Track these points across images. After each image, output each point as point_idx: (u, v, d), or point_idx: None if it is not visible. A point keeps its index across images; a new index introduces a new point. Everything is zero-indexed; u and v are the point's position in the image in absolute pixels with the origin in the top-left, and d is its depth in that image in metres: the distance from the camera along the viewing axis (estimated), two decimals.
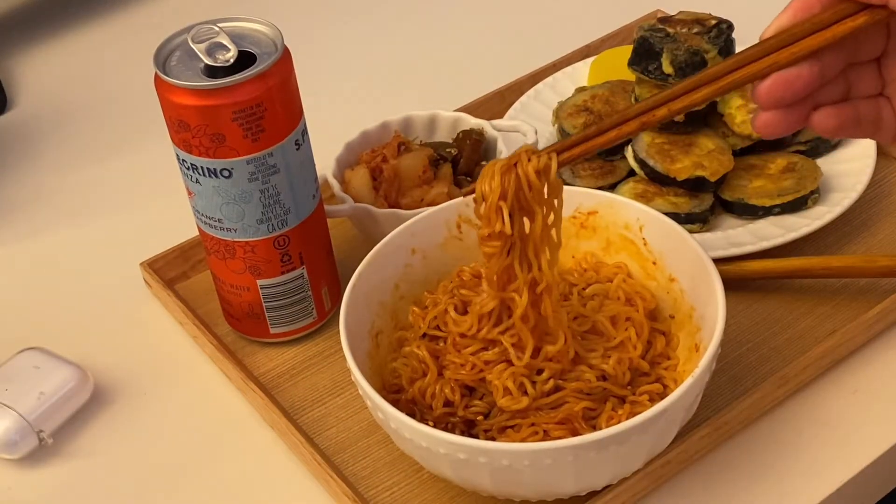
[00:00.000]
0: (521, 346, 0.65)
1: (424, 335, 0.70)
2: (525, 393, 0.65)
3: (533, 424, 0.65)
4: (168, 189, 0.87)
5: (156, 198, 0.94)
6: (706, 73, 0.57)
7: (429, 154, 0.83)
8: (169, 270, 0.84)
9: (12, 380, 0.74)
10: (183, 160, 0.71)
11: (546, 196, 0.61)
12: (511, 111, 0.93)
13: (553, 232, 0.63)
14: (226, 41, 0.69)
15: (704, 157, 0.82)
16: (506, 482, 0.62)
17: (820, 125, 0.57)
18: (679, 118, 0.82)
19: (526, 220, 0.62)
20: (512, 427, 0.66)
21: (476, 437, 0.66)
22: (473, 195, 0.61)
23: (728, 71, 0.57)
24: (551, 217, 0.62)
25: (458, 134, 0.85)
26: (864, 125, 0.58)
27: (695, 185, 0.81)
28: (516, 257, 0.62)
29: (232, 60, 0.68)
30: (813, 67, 0.55)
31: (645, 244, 0.73)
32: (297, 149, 0.72)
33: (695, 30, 0.83)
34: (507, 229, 0.61)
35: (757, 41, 0.57)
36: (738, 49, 0.84)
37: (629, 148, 0.84)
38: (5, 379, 0.75)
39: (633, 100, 0.86)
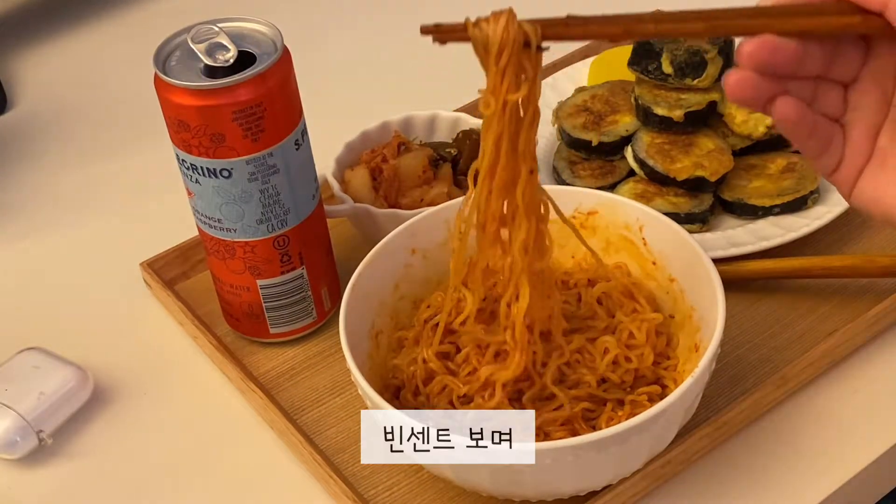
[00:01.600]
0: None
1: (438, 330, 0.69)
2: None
3: None
4: (168, 189, 0.86)
5: (156, 198, 0.94)
6: (703, 12, 0.56)
7: (429, 154, 0.83)
8: (169, 270, 0.84)
9: (12, 380, 0.74)
10: (183, 160, 0.71)
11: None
12: None
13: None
14: (225, 41, 0.69)
15: (704, 157, 0.82)
16: (506, 482, 0.62)
17: (781, 109, 0.56)
18: (678, 117, 0.82)
19: None
20: None
21: None
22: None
23: (723, 17, 0.56)
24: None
25: (458, 134, 0.85)
26: (816, 138, 0.57)
27: (695, 185, 0.81)
28: None
29: (232, 60, 0.68)
30: (799, 47, 0.55)
31: (645, 244, 0.73)
32: (297, 149, 0.72)
33: None
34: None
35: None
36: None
37: (629, 148, 0.84)
38: (5, 379, 0.75)
39: (632, 100, 0.86)
